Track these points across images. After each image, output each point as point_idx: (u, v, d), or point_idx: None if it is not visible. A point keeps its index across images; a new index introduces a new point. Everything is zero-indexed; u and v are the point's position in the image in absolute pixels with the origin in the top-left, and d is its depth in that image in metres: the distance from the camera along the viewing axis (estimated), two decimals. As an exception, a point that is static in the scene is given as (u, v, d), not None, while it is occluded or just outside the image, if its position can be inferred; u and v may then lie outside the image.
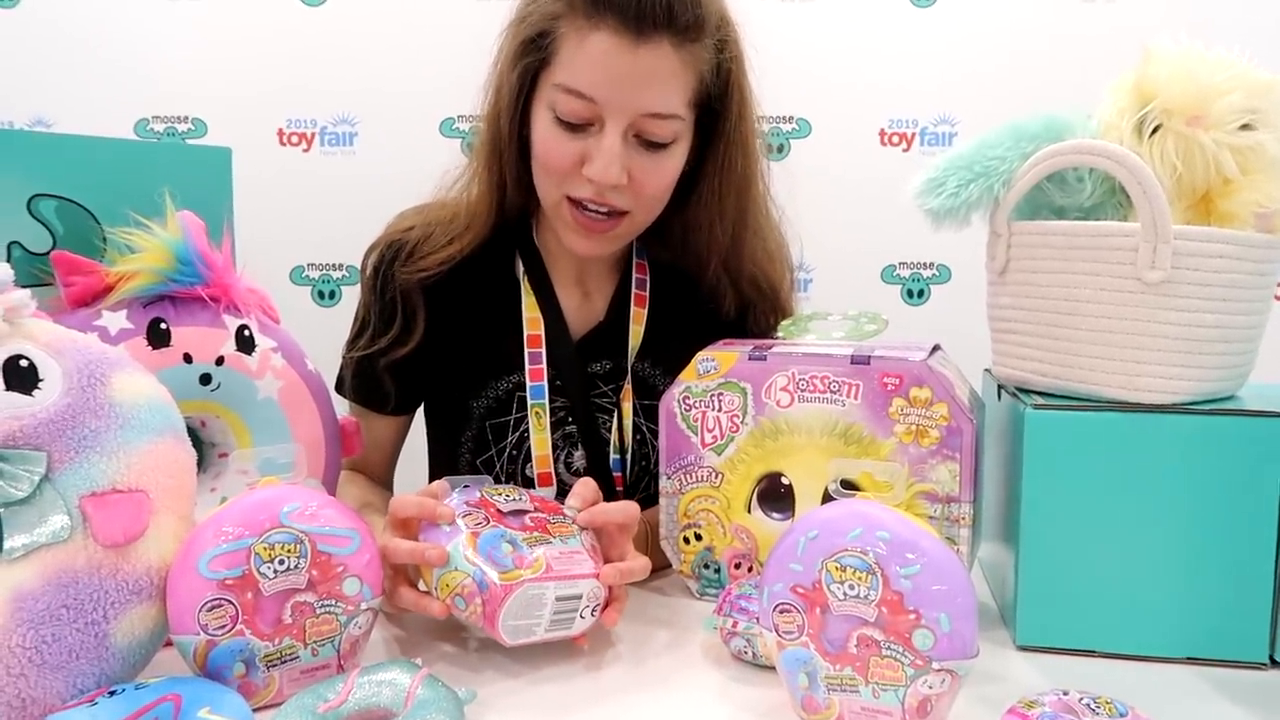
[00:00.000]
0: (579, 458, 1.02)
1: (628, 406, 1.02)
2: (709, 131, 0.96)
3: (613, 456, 1.02)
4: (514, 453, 1.02)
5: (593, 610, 0.74)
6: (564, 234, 0.97)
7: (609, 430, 1.02)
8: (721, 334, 0.97)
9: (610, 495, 1.01)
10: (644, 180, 0.91)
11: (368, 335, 1.03)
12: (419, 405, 1.11)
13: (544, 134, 0.91)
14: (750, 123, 0.98)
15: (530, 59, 0.90)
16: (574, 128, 0.89)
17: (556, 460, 1.01)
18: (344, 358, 1.07)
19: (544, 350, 1.01)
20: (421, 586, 0.76)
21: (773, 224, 1.06)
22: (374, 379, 1.04)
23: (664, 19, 0.84)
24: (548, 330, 1.01)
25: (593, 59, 0.86)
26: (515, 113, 0.93)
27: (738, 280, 1.04)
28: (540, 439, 1.00)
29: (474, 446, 1.04)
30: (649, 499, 1.01)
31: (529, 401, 1.00)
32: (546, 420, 1.00)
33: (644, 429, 1.03)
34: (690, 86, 0.90)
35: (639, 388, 1.04)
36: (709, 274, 1.03)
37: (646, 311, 1.04)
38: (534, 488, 1.00)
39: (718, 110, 0.94)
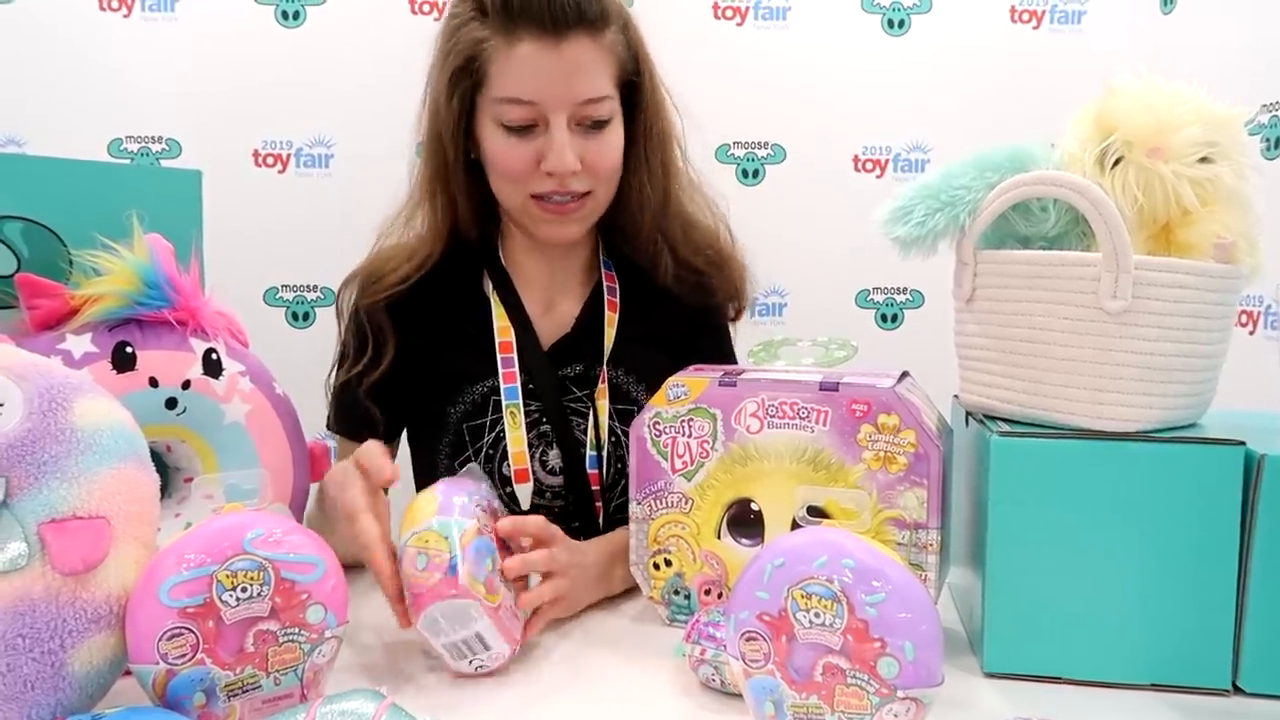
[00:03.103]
0: (554, 456, 1.05)
1: (603, 404, 1.05)
2: (630, 106, 1.04)
3: (589, 454, 1.05)
4: (490, 452, 1.04)
5: (478, 666, 0.76)
6: (537, 229, 1.04)
7: (583, 432, 1.05)
8: (691, 338, 1.04)
9: (587, 495, 1.05)
10: (596, 159, 0.99)
11: (347, 364, 1.07)
12: (400, 432, 1.13)
13: (497, 145, 0.98)
14: (659, 91, 1.06)
15: (464, 84, 0.98)
16: (522, 131, 0.96)
17: (532, 458, 1.04)
18: (329, 394, 1.11)
19: (515, 355, 1.05)
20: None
21: (692, 183, 1.12)
22: (356, 406, 1.06)
23: (575, 17, 0.93)
24: (518, 339, 1.06)
25: (523, 67, 0.94)
26: (458, 135, 1.00)
27: (672, 243, 1.09)
28: (516, 436, 1.03)
29: (451, 451, 1.06)
30: (626, 505, 1.03)
31: (503, 402, 1.03)
32: (521, 419, 1.03)
33: (618, 432, 1.06)
34: (611, 68, 0.98)
35: (613, 393, 1.06)
36: (644, 236, 1.08)
37: (618, 317, 1.09)
38: (511, 485, 1.03)
39: (635, 83, 1.03)
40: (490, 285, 1.08)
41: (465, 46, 0.96)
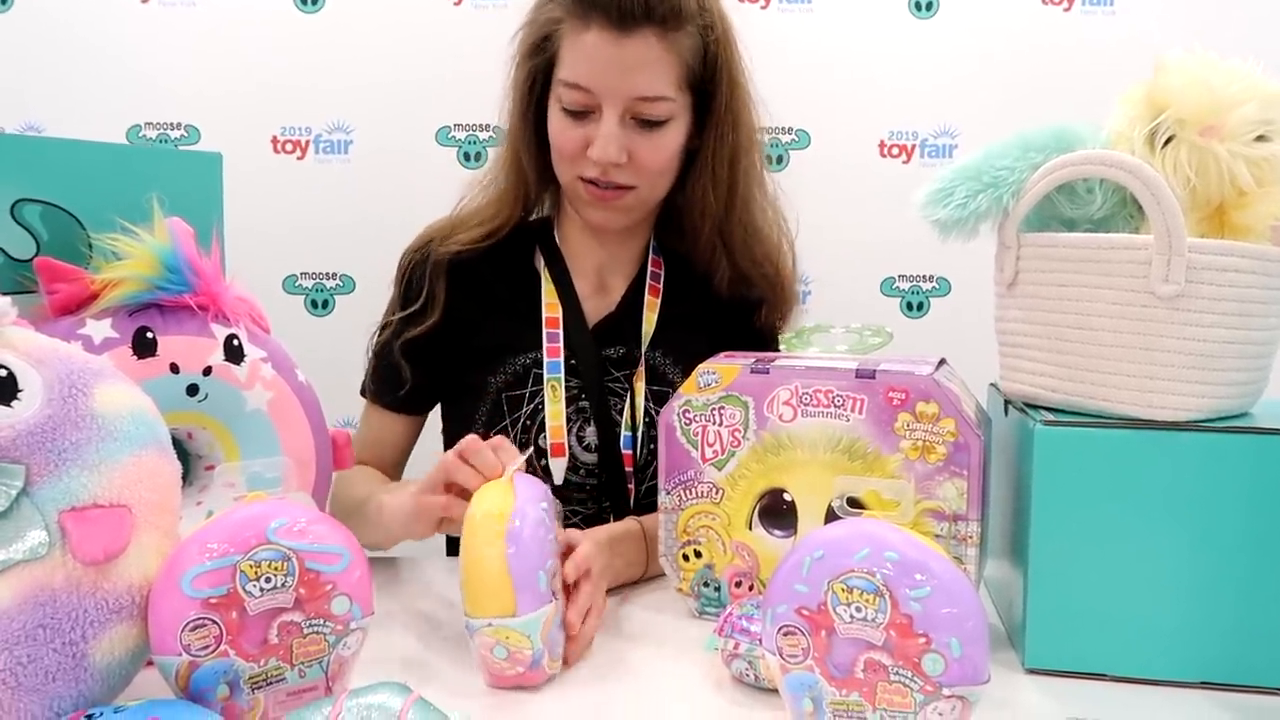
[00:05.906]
0: (591, 433, 1.06)
1: (640, 386, 1.06)
2: (705, 110, 1.03)
3: (624, 434, 1.06)
4: (527, 423, 1.06)
5: None
6: (581, 210, 1.07)
7: (620, 412, 1.06)
8: (731, 328, 1.05)
9: (620, 474, 1.05)
10: (645, 157, 1.00)
11: (393, 322, 1.10)
12: (432, 405, 1.15)
13: (555, 124, 1.01)
14: (743, 100, 1.05)
15: (537, 60, 1.02)
16: (578, 115, 0.99)
17: (569, 434, 1.05)
18: (370, 356, 1.14)
19: (561, 331, 1.06)
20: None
21: (768, 196, 1.12)
22: (391, 366, 1.09)
23: (642, 13, 0.94)
24: (565, 317, 1.07)
25: (586, 55, 0.96)
26: (528, 108, 1.05)
27: (731, 250, 1.09)
28: (555, 410, 1.04)
29: (488, 420, 1.07)
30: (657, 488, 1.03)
31: (545, 376, 1.05)
32: (562, 393, 1.05)
33: (653, 414, 1.06)
34: (676, 70, 0.98)
35: (651, 376, 1.08)
36: (703, 241, 1.09)
37: (660, 302, 1.11)
38: (546, 458, 1.03)
39: (709, 90, 1.02)
40: (542, 261, 1.10)
41: (542, 25, 1.00)
